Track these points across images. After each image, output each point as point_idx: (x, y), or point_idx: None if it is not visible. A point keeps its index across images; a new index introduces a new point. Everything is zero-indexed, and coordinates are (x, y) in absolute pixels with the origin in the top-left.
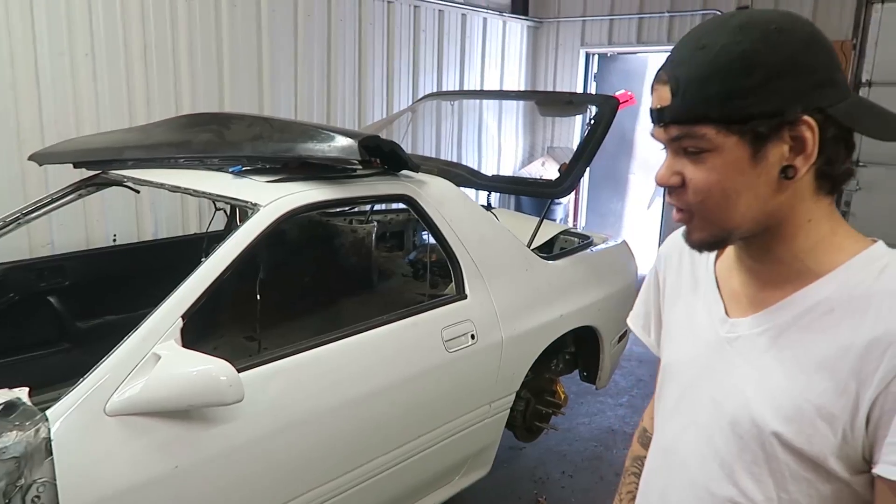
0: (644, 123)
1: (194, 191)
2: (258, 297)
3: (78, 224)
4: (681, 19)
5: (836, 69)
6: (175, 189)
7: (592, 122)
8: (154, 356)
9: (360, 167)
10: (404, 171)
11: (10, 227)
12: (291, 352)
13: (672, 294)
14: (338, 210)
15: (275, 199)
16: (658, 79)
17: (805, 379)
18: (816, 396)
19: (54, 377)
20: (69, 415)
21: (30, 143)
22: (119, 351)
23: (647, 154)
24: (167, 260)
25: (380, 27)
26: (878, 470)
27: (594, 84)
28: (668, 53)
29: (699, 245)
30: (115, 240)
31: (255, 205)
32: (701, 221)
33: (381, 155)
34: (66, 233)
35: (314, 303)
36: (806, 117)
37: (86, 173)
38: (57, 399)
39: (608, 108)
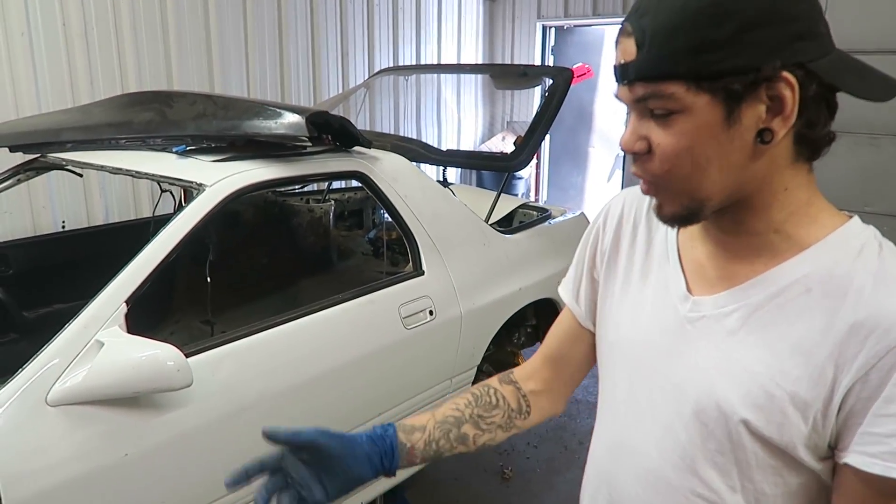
0: (603, 96)
1: (136, 172)
2: (208, 279)
3: (23, 211)
4: None
5: (819, 19)
6: (117, 171)
7: (547, 94)
8: (97, 343)
9: (309, 144)
10: (356, 148)
11: None
12: (243, 334)
13: (619, 262)
14: (294, 189)
15: (220, 178)
16: (622, 31)
17: (778, 364)
18: (790, 383)
19: (1, 369)
20: (8, 406)
21: None
22: (60, 339)
23: (606, 127)
24: (118, 245)
25: (332, 2)
26: (849, 459)
27: (552, 57)
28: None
29: (671, 219)
30: (63, 226)
31: (201, 185)
32: (670, 193)
33: (331, 131)
34: (11, 220)
35: (272, 284)
36: (785, 73)
37: (25, 157)
38: None
39: (562, 79)
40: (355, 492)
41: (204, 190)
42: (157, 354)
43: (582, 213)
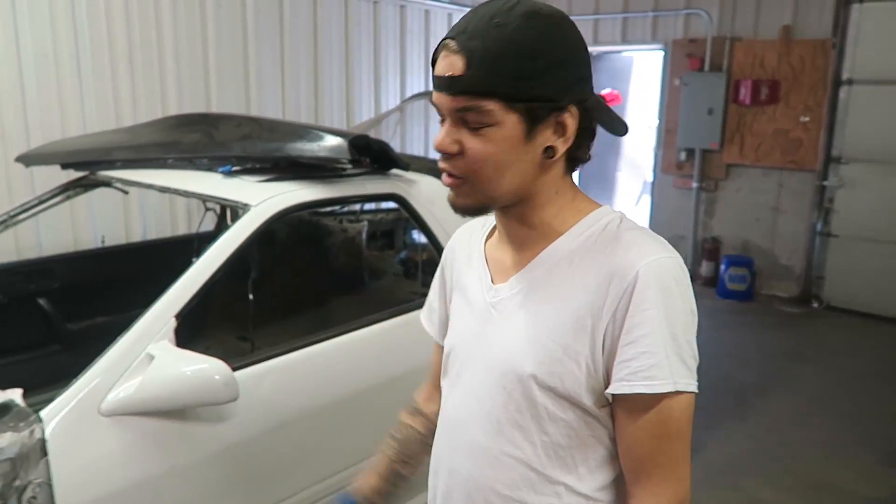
0: (631, 122)
1: (184, 191)
2: (250, 296)
3: (65, 226)
4: (664, 19)
5: (590, 68)
6: (164, 190)
7: None
8: (148, 356)
9: (349, 167)
10: (394, 171)
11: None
12: (284, 351)
13: (457, 283)
14: (328, 209)
15: (265, 198)
16: (447, 47)
17: (552, 323)
18: (560, 336)
19: (45, 379)
20: (63, 415)
21: (15, 144)
22: (112, 351)
23: (634, 153)
24: (157, 261)
25: (366, 27)
26: (608, 390)
27: None
28: (457, 23)
29: (464, 209)
30: (103, 241)
31: (246, 205)
32: (470, 188)
33: (371, 154)
34: (54, 235)
35: (305, 302)
36: (571, 106)
37: (74, 175)
38: (51, 400)
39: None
40: None
41: (249, 209)
42: (205, 368)
43: None
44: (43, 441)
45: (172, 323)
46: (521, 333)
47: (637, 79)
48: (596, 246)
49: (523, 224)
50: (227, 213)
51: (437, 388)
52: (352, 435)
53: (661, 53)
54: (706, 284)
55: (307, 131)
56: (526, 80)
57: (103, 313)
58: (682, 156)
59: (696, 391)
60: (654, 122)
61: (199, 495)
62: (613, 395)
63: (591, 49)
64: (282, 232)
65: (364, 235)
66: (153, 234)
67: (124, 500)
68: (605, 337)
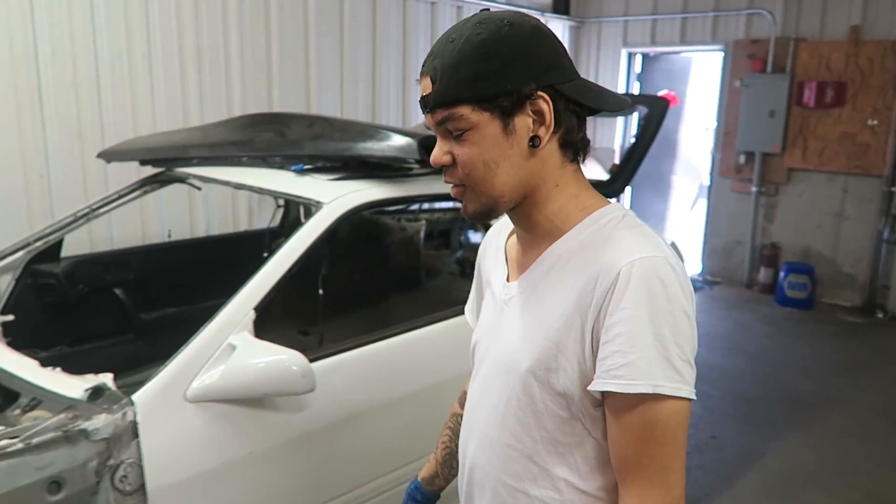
0: (688, 124)
1: (259, 188)
2: (320, 292)
3: (135, 220)
4: (725, 19)
5: (562, 57)
6: (240, 186)
7: (643, 122)
8: (229, 346)
9: (416, 167)
10: None
11: (80, 222)
12: (355, 345)
13: (486, 278)
14: (391, 208)
15: (337, 196)
16: (421, 72)
17: (548, 322)
18: (553, 333)
19: (120, 366)
20: (153, 400)
21: (90, 141)
22: (196, 341)
23: (690, 155)
24: (221, 255)
25: (424, 27)
26: (590, 386)
27: (637, 84)
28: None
29: (473, 216)
30: (169, 235)
31: (319, 202)
32: (472, 193)
33: None
34: (124, 228)
35: (365, 299)
36: (540, 93)
37: (146, 171)
38: (138, 385)
39: (659, 108)
40: None
41: (322, 207)
42: (284, 359)
43: (673, 243)
44: (135, 423)
45: (252, 315)
46: (521, 331)
47: (695, 80)
48: (591, 245)
49: (529, 223)
50: (292, 210)
51: None
52: (417, 429)
53: (721, 54)
54: (764, 291)
55: (376, 131)
56: (484, 79)
57: (172, 304)
58: (742, 159)
59: (690, 397)
60: (712, 124)
61: (274, 481)
62: (596, 392)
63: (647, 50)
64: (343, 229)
65: (422, 234)
66: (215, 229)
67: (206, 482)
68: (593, 336)
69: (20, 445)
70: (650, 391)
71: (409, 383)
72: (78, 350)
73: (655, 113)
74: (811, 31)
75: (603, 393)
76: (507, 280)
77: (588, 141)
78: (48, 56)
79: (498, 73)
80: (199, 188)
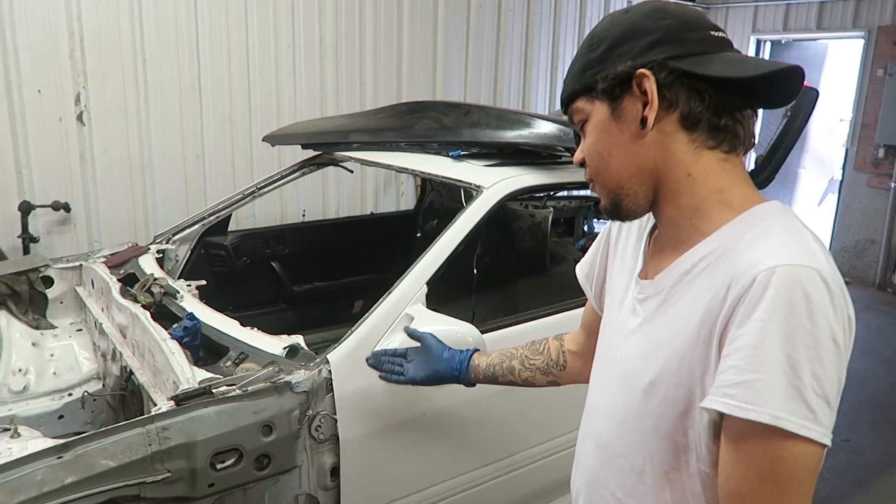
0: (819, 116)
1: (421, 172)
2: (475, 271)
3: (274, 200)
4: (869, 4)
5: (684, 31)
6: (402, 170)
7: (790, 113)
8: (406, 316)
9: (566, 154)
10: None
11: (247, 199)
12: (509, 323)
13: (619, 259)
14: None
15: (497, 181)
16: None
17: (680, 332)
18: (679, 346)
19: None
20: (344, 360)
21: (240, 125)
22: (378, 310)
23: (820, 148)
24: (359, 236)
25: (547, 15)
26: (701, 403)
27: None
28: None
29: (604, 210)
30: (304, 215)
31: (479, 186)
32: (598, 187)
33: None
34: (264, 207)
35: (503, 280)
36: (641, 70)
37: (287, 155)
38: (327, 345)
39: (807, 99)
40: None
41: (483, 191)
42: (460, 329)
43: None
44: (329, 380)
45: (424, 289)
46: (649, 339)
47: (830, 69)
48: (735, 249)
49: (664, 219)
50: (428, 194)
51: (583, 333)
52: (564, 405)
53: (862, 41)
54: None
55: (531, 120)
56: (591, 68)
57: (319, 279)
58: (881, 153)
59: (822, 441)
60: (848, 115)
61: (441, 442)
62: (713, 413)
63: (779, 37)
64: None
65: (549, 221)
66: (345, 211)
67: (385, 437)
68: (719, 349)
69: (239, 392)
70: (768, 422)
71: None
72: (240, 316)
73: (804, 102)
74: None
75: (721, 415)
76: (642, 276)
77: (730, 127)
78: (207, 48)
79: (603, 60)
80: (351, 171)
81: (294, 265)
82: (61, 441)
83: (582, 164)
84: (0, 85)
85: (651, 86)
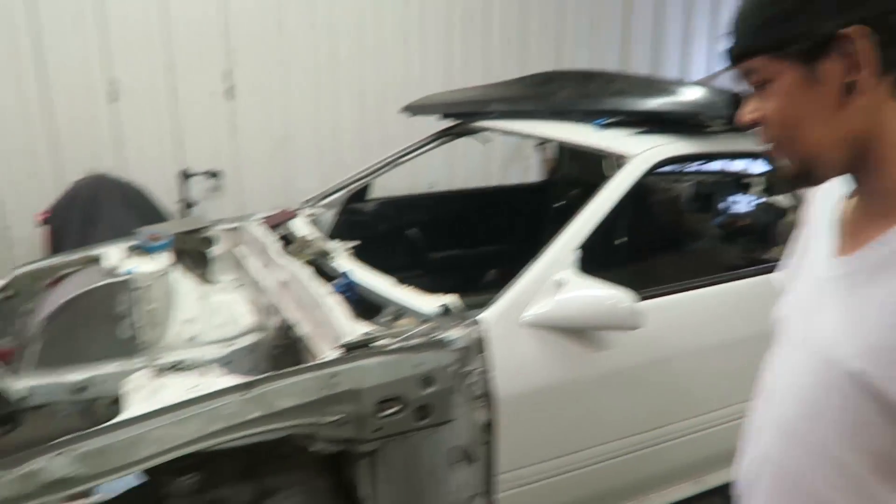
0: None
1: (565, 141)
2: (625, 238)
3: (405, 171)
4: None
5: None
6: (545, 139)
7: None
8: (556, 282)
9: (714, 123)
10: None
11: (387, 168)
12: (666, 292)
13: (807, 241)
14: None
15: (645, 149)
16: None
17: (885, 315)
18: (890, 331)
19: None
20: (496, 321)
21: (370, 98)
22: (527, 275)
23: None
24: (493, 206)
25: None
26: None
27: None
28: None
29: (784, 180)
30: (431, 187)
31: (627, 155)
32: (786, 154)
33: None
34: (394, 179)
35: (632, 253)
36: (848, 30)
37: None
38: (478, 307)
39: None
40: None
41: (631, 159)
42: (614, 294)
43: None
44: (481, 339)
45: (577, 254)
46: (847, 321)
47: None
48: None
49: (867, 190)
50: (563, 165)
51: None
52: (717, 381)
53: None
54: None
55: (678, 87)
56: (776, 24)
57: (454, 248)
58: None
59: None
60: None
61: (589, 408)
62: None
63: None
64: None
65: (686, 196)
66: (470, 183)
67: (535, 399)
68: None
69: (400, 345)
70: None
71: (717, 334)
72: None
73: None
74: None
75: None
76: (837, 253)
77: None
78: (344, 28)
79: (790, 15)
80: (486, 142)
81: (428, 233)
82: (246, 379)
83: (749, 123)
84: (159, 62)
85: (864, 46)
